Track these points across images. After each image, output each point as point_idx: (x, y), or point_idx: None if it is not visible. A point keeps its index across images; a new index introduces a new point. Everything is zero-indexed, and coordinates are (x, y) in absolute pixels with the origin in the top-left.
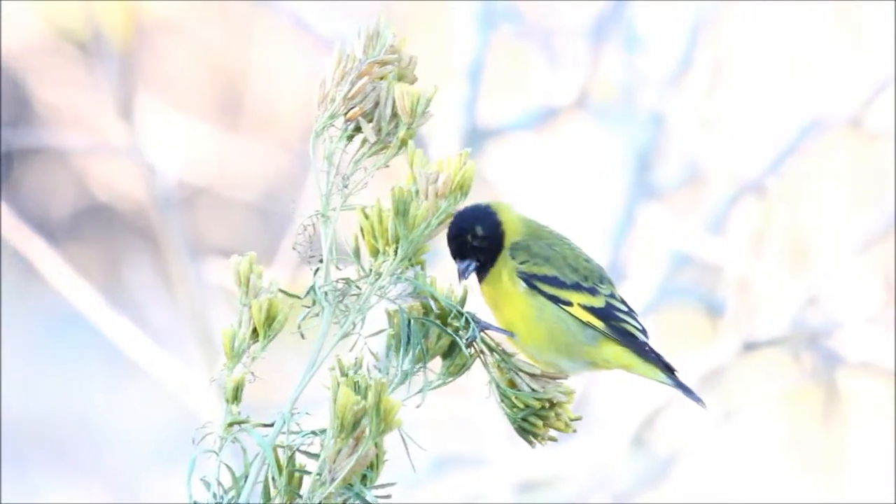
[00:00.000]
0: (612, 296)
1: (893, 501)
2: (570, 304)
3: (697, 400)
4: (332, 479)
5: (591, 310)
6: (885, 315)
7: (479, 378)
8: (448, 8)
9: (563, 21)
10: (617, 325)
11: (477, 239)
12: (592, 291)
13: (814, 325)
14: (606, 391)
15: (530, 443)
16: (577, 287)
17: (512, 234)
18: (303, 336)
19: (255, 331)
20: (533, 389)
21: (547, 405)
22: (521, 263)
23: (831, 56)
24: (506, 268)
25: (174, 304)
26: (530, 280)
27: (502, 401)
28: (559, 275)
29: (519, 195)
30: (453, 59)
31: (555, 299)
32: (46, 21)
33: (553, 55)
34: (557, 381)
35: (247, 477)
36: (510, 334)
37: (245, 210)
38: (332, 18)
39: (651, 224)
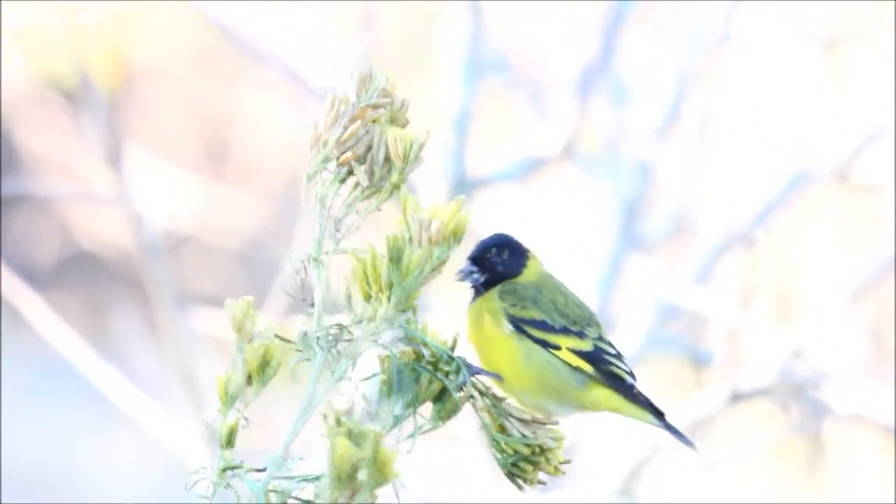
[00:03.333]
0: (601, 339)
1: None
2: (558, 347)
3: (688, 442)
4: None
5: (580, 353)
6: (873, 367)
7: (465, 423)
8: (436, 58)
9: (550, 72)
10: (605, 368)
11: (496, 259)
12: (580, 335)
13: (801, 376)
14: (594, 441)
15: (519, 487)
16: (565, 331)
17: (526, 277)
18: (294, 381)
19: (248, 376)
20: (523, 435)
21: (537, 450)
22: (511, 307)
23: (819, 108)
24: (492, 309)
25: (160, 352)
26: (518, 323)
27: (492, 446)
28: (547, 318)
29: None
30: (440, 110)
31: (543, 343)
32: (33, 69)
33: (540, 106)
34: (548, 426)
35: None
36: (500, 378)
37: (230, 258)
38: (320, 68)
39: (638, 274)
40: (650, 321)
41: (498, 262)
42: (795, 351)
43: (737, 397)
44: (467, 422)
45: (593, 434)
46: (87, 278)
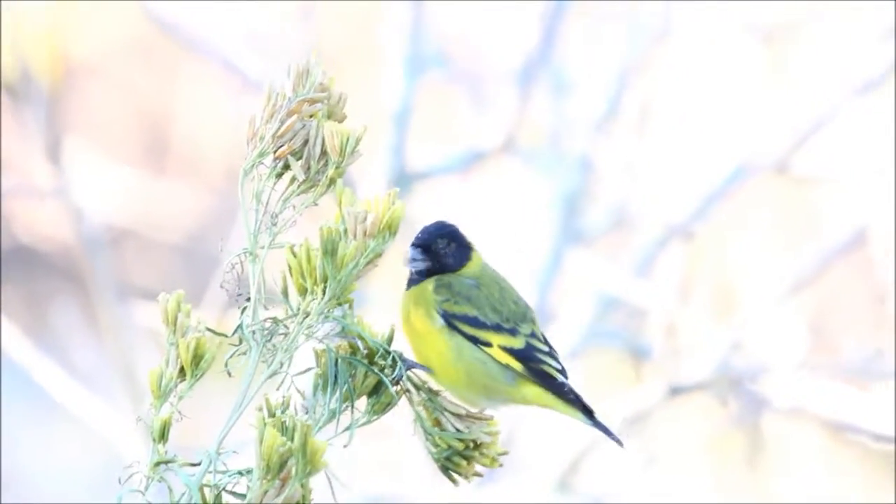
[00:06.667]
0: (534, 335)
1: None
2: (489, 344)
3: (616, 440)
4: None
5: (511, 351)
6: (811, 360)
7: (403, 417)
8: (377, 52)
9: (490, 65)
10: (536, 366)
11: (444, 249)
12: (513, 332)
13: (740, 369)
14: (531, 434)
15: (453, 481)
16: (497, 328)
17: (468, 271)
18: (230, 375)
19: (182, 370)
20: (458, 430)
21: (471, 445)
22: (444, 301)
23: (758, 101)
24: (425, 301)
25: (100, 346)
26: (449, 319)
27: (426, 440)
28: (479, 315)
29: None
30: (381, 103)
31: (474, 339)
32: None
33: (480, 99)
34: (483, 421)
35: None
36: (432, 371)
37: (171, 252)
38: (259, 61)
39: (578, 268)
40: (590, 314)
41: (445, 254)
42: (734, 344)
43: (676, 390)
44: (404, 416)
45: (531, 427)
46: (26, 272)
